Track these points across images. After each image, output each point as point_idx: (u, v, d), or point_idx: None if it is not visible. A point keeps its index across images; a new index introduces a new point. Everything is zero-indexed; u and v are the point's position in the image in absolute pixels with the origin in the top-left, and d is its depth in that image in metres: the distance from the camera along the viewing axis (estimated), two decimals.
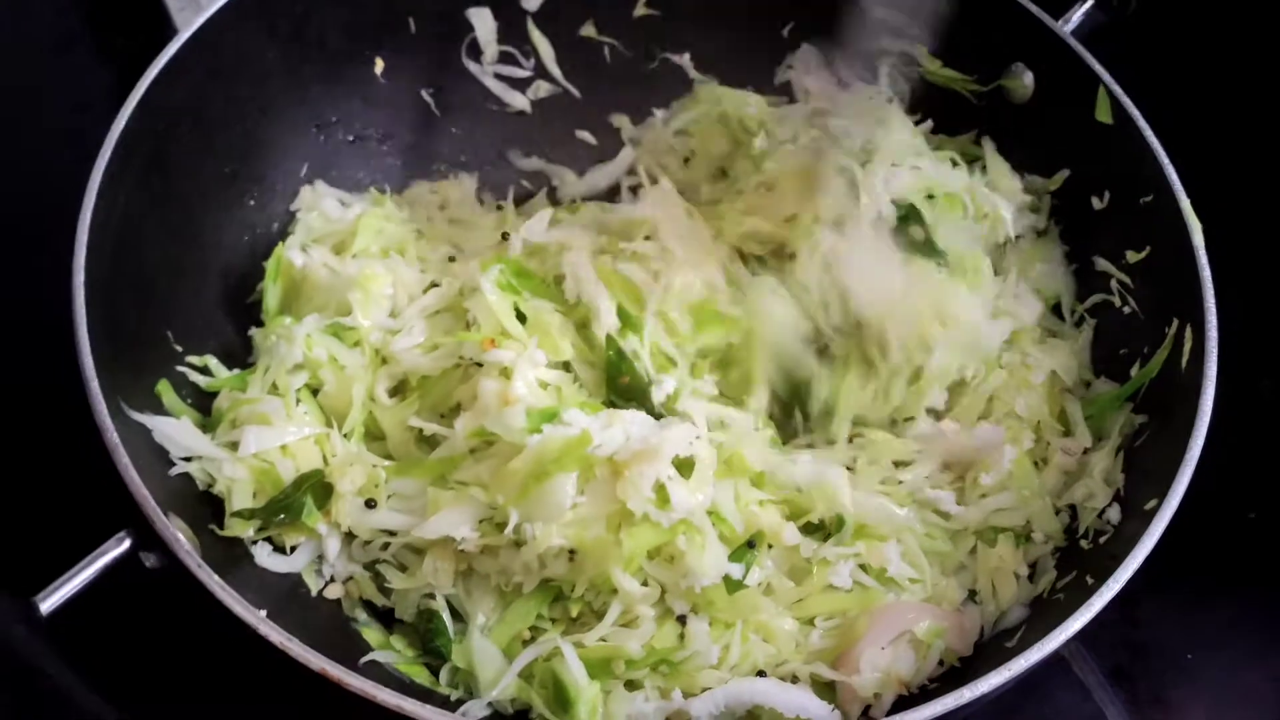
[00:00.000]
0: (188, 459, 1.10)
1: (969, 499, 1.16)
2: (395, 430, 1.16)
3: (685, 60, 1.48)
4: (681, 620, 1.06)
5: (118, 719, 0.84)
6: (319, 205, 1.34)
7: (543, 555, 1.03)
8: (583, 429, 1.03)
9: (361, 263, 1.23)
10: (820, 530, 1.11)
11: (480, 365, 1.12)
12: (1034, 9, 1.28)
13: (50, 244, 1.08)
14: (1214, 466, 1.08)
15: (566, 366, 1.16)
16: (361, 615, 1.13)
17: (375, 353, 1.19)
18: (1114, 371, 1.21)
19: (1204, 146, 1.25)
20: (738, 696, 1.01)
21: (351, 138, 1.42)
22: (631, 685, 1.05)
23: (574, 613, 1.06)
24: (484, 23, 1.43)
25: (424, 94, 1.45)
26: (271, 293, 1.25)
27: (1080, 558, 1.10)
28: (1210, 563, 1.28)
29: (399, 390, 1.20)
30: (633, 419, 1.06)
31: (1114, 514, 1.10)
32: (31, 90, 1.58)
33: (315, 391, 1.18)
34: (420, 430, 1.15)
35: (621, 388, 1.14)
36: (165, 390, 1.13)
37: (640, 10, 1.46)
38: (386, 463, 1.14)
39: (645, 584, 1.05)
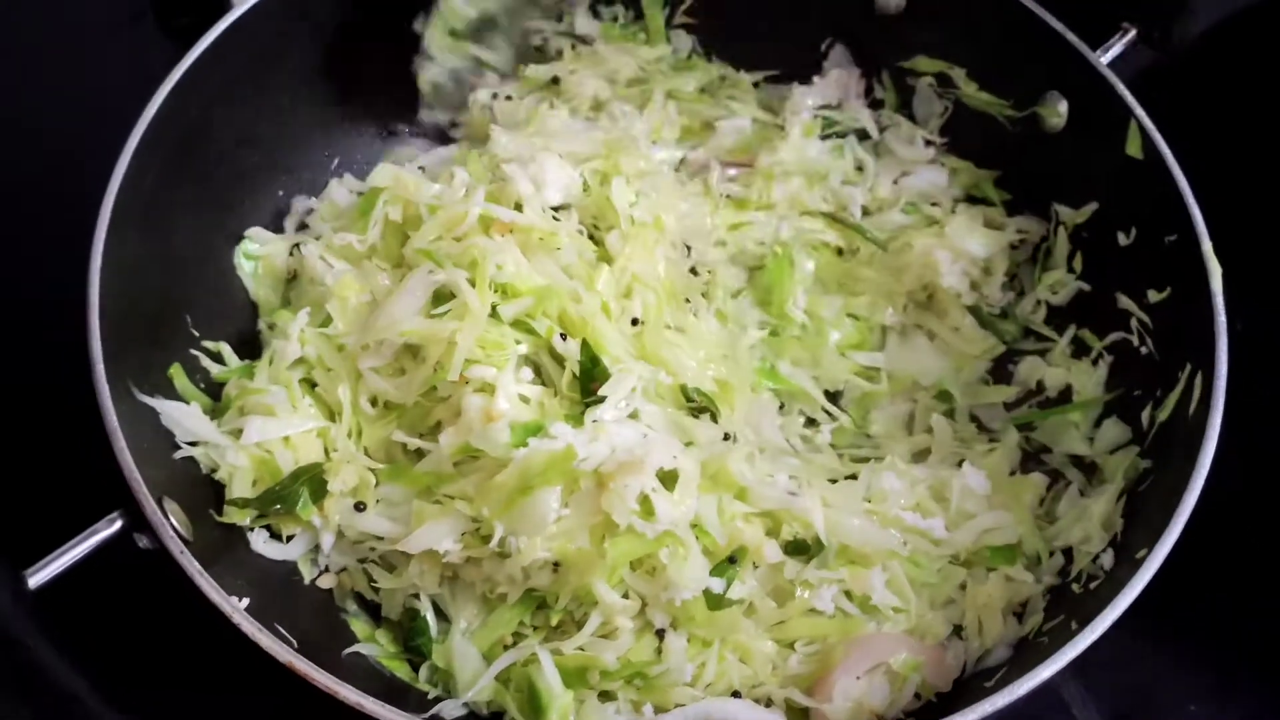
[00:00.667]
0: (193, 443, 1.12)
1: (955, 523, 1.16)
2: (378, 444, 1.17)
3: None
4: (660, 635, 1.07)
5: (93, 697, 0.86)
6: (330, 195, 1.36)
7: (527, 567, 1.04)
8: (567, 444, 1.03)
9: (338, 270, 1.23)
10: (806, 552, 1.10)
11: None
12: (1072, 37, 1.25)
13: (85, 220, 1.10)
14: (1232, 516, 1.06)
15: (537, 370, 1.17)
16: (351, 606, 1.15)
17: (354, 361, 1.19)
18: (1126, 413, 1.19)
19: (1237, 192, 1.22)
20: (707, 714, 1.01)
21: (384, 133, 1.44)
22: (605, 696, 1.06)
23: (554, 621, 1.07)
24: None
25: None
26: (251, 282, 1.28)
27: (1070, 601, 1.08)
28: (1219, 613, 1.25)
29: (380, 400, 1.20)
30: (618, 431, 1.07)
31: (1107, 559, 1.08)
32: (95, 64, 1.61)
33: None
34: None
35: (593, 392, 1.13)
36: (177, 374, 1.16)
37: (680, 18, 1.46)
38: (379, 465, 1.15)
39: (626, 596, 1.05)
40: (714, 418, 1.15)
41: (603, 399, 1.11)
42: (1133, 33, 1.29)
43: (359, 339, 1.17)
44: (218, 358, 1.22)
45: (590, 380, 1.13)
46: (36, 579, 0.92)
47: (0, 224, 1.41)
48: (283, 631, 0.98)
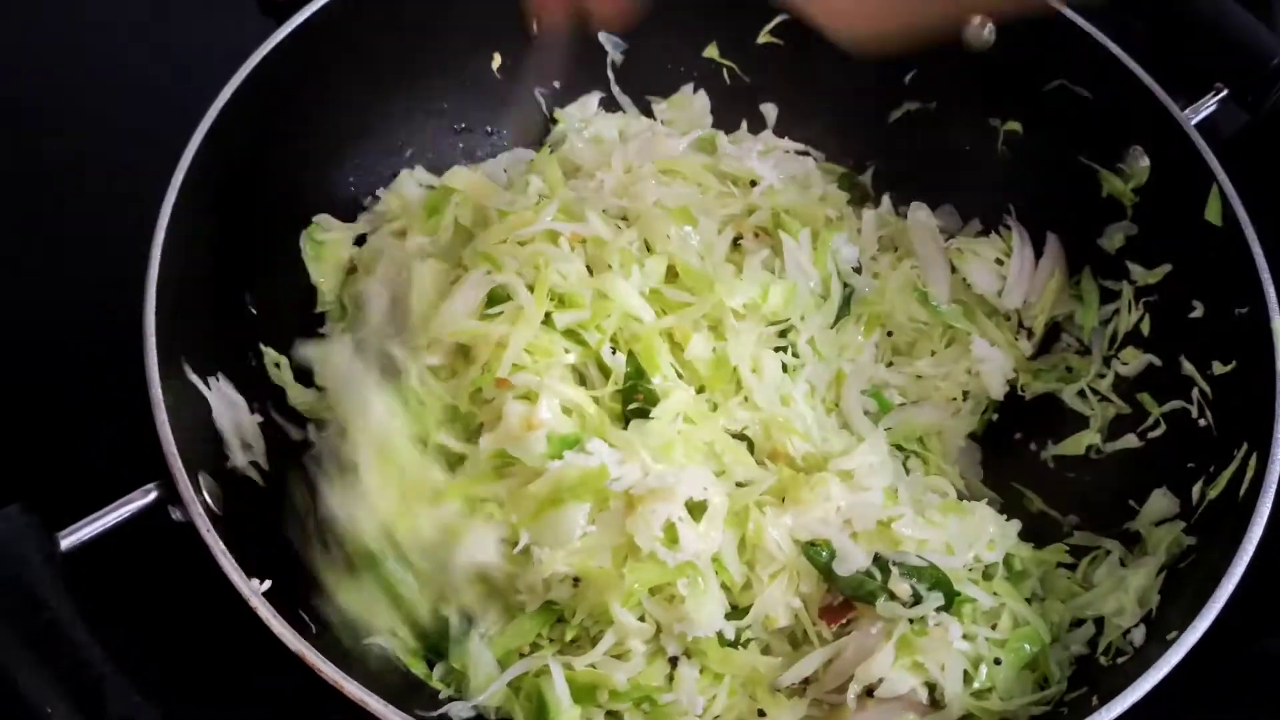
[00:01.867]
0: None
1: None
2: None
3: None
4: (673, 662, 1.06)
5: (107, 665, 0.87)
6: (399, 185, 1.37)
7: (548, 579, 1.05)
8: (601, 462, 1.03)
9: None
10: None
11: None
12: (1160, 92, 1.22)
13: (156, 191, 1.11)
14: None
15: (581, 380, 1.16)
16: None
17: None
18: (1176, 484, 1.15)
19: None
20: None
21: (459, 127, 1.44)
22: (613, 716, 1.06)
23: (569, 636, 1.07)
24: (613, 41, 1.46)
25: (538, 93, 1.47)
26: (313, 267, 1.30)
27: (1095, 674, 1.05)
28: (1257, 698, 1.21)
29: None
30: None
31: (1138, 635, 1.05)
32: (189, 37, 1.63)
33: None
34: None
35: (637, 410, 1.13)
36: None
37: (763, 38, 1.45)
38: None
39: (643, 619, 1.05)
40: (751, 448, 1.14)
41: (645, 411, 1.11)
42: (1225, 93, 1.25)
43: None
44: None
45: (634, 392, 1.13)
46: (68, 541, 0.94)
47: (74, 188, 1.45)
48: (303, 617, 0.99)
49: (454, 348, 1.17)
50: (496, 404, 1.12)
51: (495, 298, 1.16)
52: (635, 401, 1.11)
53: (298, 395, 1.23)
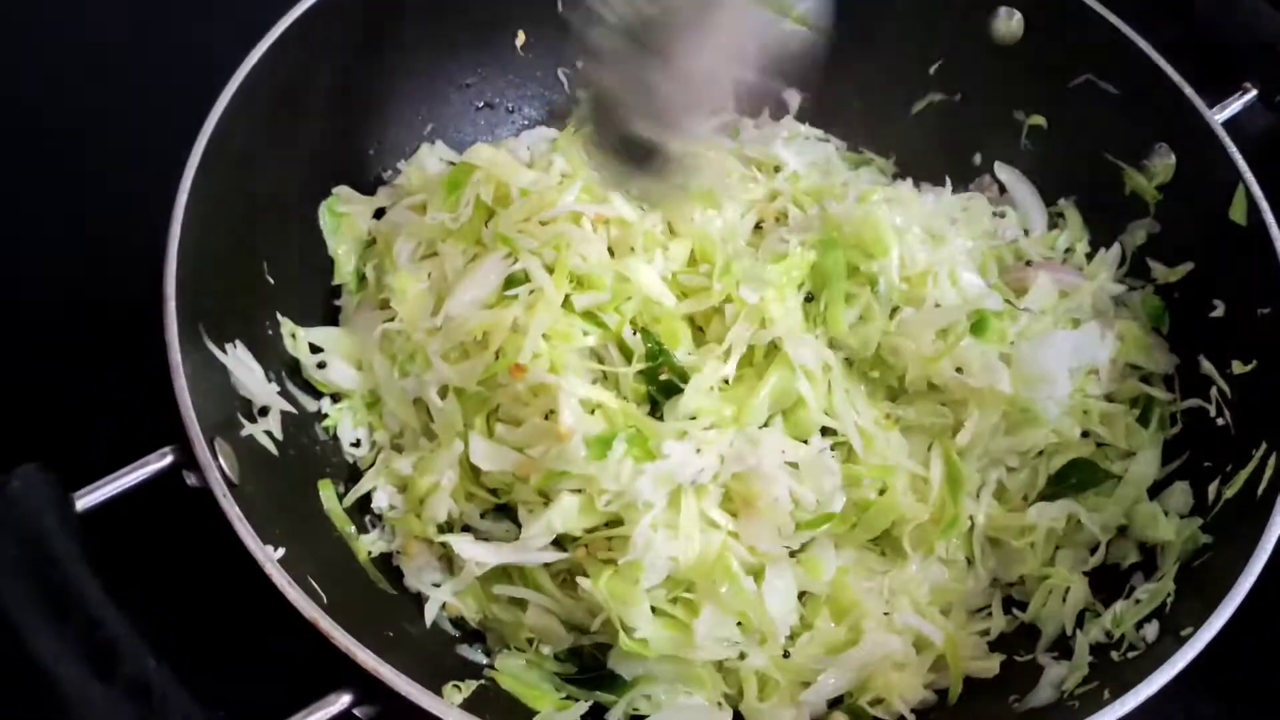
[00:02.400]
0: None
1: None
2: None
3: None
4: None
5: (121, 625, 0.87)
6: (419, 159, 1.37)
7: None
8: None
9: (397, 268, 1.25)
10: None
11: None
12: (1188, 90, 1.22)
13: (178, 158, 1.10)
14: None
15: (600, 361, 1.15)
16: None
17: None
18: (1195, 481, 1.15)
19: None
20: None
21: (480, 104, 1.44)
22: None
23: None
24: None
25: (560, 73, 1.46)
26: (331, 239, 1.29)
27: (1108, 668, 1.05)
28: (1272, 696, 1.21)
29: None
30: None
31: (1151, 631, 1.04)
32: (212, 5, 1.62)
33: None
34: None
35: (663, 385, 1.12)
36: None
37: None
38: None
39: None
40: None
41: (673, 385, 1.11)
42: (1253, 93, 1.25)
43: (425, 327, 1.18)
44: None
45: (658, 369, 1.12)
46: (84, 502, 0.94)
47: (95, 152, 1.45)
48: (314, 585, 0.99)
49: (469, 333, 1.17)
50: (510, 390, 1.11)
51: (513, 280, 1.16)
52: (662, 376, 1.11)
53: (312, 366, 1.22)
